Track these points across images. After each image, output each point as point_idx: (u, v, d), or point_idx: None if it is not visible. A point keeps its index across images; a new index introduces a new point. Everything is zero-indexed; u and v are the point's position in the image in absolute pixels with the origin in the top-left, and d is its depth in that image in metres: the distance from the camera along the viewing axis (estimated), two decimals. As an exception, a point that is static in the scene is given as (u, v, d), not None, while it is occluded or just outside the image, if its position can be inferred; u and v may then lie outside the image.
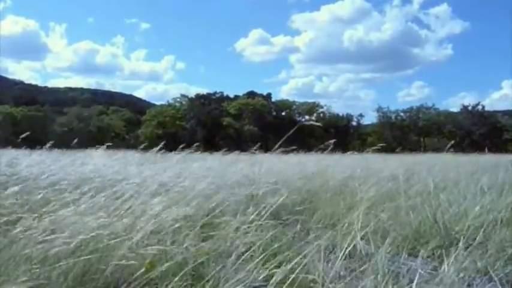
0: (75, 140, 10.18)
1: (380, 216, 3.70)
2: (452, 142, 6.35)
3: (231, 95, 60.67)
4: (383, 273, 2.34)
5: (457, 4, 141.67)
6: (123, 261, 2.47)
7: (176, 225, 2.99)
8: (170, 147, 8.26)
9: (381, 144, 7.03)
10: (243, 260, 2.50)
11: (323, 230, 3.65)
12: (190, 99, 57.68)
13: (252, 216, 3.09)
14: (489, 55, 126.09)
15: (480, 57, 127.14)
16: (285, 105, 59.08)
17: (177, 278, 2.29)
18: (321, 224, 4.01)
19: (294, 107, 59.01)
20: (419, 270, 2.44)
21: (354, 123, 57.58)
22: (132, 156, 9.30)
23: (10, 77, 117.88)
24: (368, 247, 2.76)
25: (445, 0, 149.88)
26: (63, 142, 11.68)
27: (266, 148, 7.90)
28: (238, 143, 49.79)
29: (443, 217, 3.62)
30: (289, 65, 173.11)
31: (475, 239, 3.09)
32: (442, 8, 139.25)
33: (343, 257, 2.32)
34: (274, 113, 57.46)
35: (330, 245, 2.87)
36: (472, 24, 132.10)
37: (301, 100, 63.84)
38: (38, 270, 2.34)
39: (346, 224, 3.04)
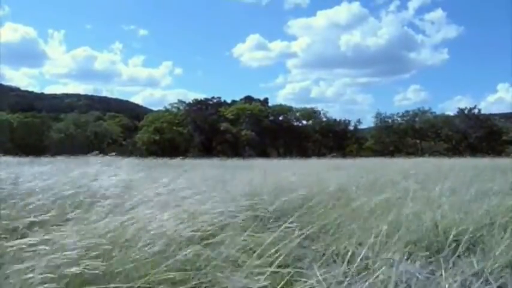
0: (73, 146, 10.17)
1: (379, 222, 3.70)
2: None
3: (229, 100, 60.78)
4: (382, 279, 2.34)
5: (451, 9, 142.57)
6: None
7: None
8: (168, 152, 8.26)
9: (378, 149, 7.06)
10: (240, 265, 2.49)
11: (322, 235, 3.64)
12: (188, 105, 57.66)
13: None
14: (484, 59, 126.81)
15: (475, 61, 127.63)
16: (282, 110, 59.11)
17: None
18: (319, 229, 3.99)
19: (291, 111, 59.07)
20: (417, 275, 2.44)
21: (351, 128, 57.66)
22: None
23: (6, 83, 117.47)
24: (367, 252, 2.76)
25: (439, 5, 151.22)
26: (60, 148, 11.67)
27: (264, 152, 7.91)
28: (236, 147, 49.76)
29: (442, 221, 3.62)
30: (286, 70, 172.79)
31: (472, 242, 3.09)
32: (437, 14, 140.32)
33: (342, 263, 2.31)
34: (271, 118, 57.45)
35: (328, 251, 2.86)
36: (467, 28, 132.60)
37: (299, 105, 63.90)
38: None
39: (345, 229, 3.03)
